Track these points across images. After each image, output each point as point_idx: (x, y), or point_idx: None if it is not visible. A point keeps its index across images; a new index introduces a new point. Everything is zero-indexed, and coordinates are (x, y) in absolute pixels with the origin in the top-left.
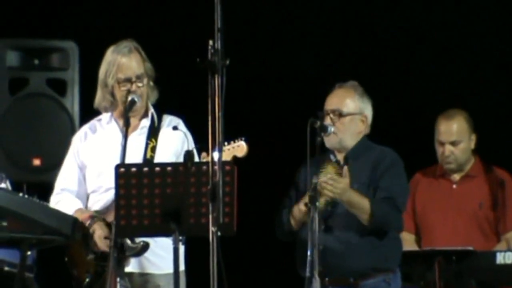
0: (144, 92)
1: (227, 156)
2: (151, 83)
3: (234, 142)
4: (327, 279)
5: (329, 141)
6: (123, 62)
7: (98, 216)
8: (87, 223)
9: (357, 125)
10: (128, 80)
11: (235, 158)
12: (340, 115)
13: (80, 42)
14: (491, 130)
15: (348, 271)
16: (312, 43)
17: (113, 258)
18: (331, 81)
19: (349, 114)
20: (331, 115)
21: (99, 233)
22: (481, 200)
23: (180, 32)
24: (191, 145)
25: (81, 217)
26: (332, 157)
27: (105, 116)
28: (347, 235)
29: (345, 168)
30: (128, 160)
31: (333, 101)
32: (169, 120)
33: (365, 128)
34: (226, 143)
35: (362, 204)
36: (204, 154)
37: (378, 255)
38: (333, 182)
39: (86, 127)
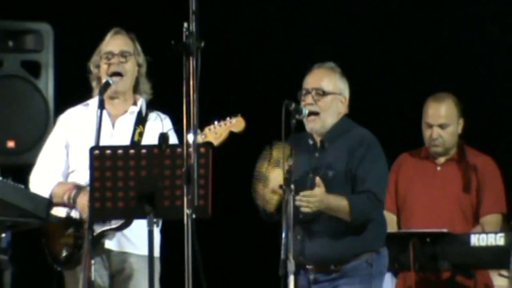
0: (128, 71)
1: (224, 132)
2: (144, 78)
3: (231, 118)
4: (309, 267)
5: (312, 125)
6: (110, 39)
7: (81, 186)
8: (73, 192)
9: (337, 105)
10: (111, 54)
11: (231, 133)
12: (323, 93)
13: (54, 23)
14: (478, 115)
15: (329, 259)
16: (288, 24)
17: (88, 240)
18: (309, 62)
19: (330, 93)
20: (313, 94)
21: (84, 200)
22: (464, 184)
23: (154, 14)
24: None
25: (64, 187)
26: (310, 141)
27: (92, 101)
28: (325, 223)
29: (317, 178)
30: (116, 143)
31: (314, 80)
32: (156, 114)
33: (344, 109)
34: (221, 120)
35: (340, 206)
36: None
37: (357, 240)
38: (307, 199)
39: (72, 109)
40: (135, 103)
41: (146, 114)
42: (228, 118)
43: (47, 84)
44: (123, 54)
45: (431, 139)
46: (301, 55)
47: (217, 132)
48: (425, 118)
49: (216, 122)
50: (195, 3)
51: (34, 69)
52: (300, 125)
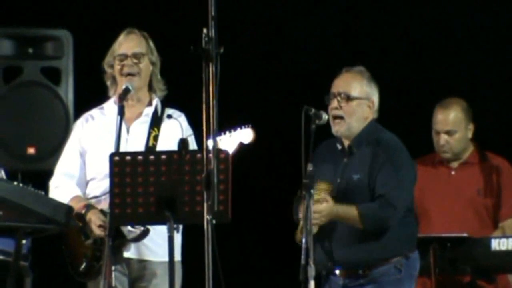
0: (142, 70)
1: (233, 143)
2: (158, 76)
3: (241, 128)
4: (337, 272)
5: (337, 128)
6: (122, 41)
7: (92, 204)
8: (83, 211)
9: (363, 110)
10: (124, 56)
11: (241, 145)
12: (348, 98)
13: (74, 30)
14: (491, 118)
15: (355, 264)
16: (310, 30)
17: (108, 246)
18: (333, 67)
19: (356, 98)
20: (338, 98)
21: (94, 220)
22: (479, 187)
23: (174, 20)
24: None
25: (77, 206)
26: (338, 146)
27: (107, 105)
28: (347, 229)
29: (322, 194)
30: (130, 148)
31: (340, 84)
32: (171, 113)
33: (371, 114)
34: (232, 130)
35: (350, 216)
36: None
37: (381, 245)
38: (314, 215)
39: (88, 114)
40: (150, 103)
41: (162, 114)
42: (238, 129)
43: (67, 90)
44: (136, 55)
45: (439, 146)
46: (321, 60)
47: (227, 143)
48: (433, 124)
49: (227, 133)
50: (214, 8)
51: (54, 75)
52: (319, 130)
